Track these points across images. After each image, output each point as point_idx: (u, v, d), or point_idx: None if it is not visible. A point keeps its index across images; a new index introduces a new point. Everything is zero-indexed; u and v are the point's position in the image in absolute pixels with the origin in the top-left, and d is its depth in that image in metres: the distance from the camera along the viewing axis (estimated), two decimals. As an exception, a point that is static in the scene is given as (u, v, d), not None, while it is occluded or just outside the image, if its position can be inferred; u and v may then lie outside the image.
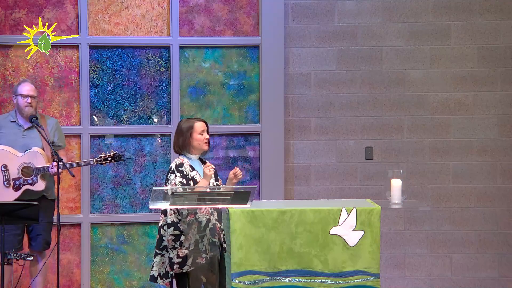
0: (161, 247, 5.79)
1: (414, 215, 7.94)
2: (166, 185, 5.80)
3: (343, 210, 6.50)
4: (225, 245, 5.95)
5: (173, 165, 5.85)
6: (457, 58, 7.96)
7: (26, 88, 6.75)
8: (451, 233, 7.96)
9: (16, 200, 6.58)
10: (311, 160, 7.94)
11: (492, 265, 7.95)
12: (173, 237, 5.72)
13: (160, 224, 5.82)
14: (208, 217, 5.74)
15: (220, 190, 5.75)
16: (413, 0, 7.94)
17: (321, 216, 6.49)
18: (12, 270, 6.86)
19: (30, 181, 6.66)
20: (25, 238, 6.93)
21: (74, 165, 6.64)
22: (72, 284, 7.80)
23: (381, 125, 7.96)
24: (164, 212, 5.78)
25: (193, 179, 5.80)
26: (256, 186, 5.97)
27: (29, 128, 6.77)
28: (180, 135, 5.91)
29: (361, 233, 6.49)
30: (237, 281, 6.34)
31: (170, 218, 5.73)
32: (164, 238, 5.76)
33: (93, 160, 6.75)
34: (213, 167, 5.94)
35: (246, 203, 5.58)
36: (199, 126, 5.91)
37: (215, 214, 5.79)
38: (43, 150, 6.72)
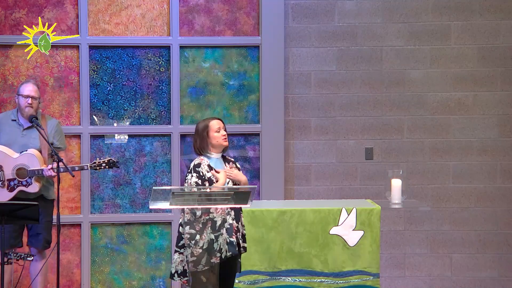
0: (179, 244, 5.79)
1: (414, 215, 7.94)
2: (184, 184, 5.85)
3: (343, 210, 6.50)
4: (245, 245, 5.91)
5: (192, 165, 5.87)
6: (457, 58, 7.96)
7: (28, 89, 6.76)
8: (451, 233, 7.96)
9: (10, 200, 6.57)
10: (311, 160, 7.94)
11: (492, 265, 7.95)
12: (188, 236, 5.72)
13: (179, 222, 5.83)
14: (223, 217, 5.73)
15: (220, 190, 5.75)
16: (413, 0, 7.94)
17: (321, 216, 6.50)
18: (12, 270, 6.85)
19: (24, 183, 6.66)
20: (25, 237, 6.92)
21: (69, 169, 6.58)
22: (72, 284, 7.80)
23: (381, 125, 7.96)
24: (183, 210, 5.79)
25: (209, 179, 5.80)
26: (256, 186, 5.96)
27: (28, 127, 6.77)
28: (198, 136, 5.92)
29: (361, 233, 6.49)
30: (237, 281, 6.35)
31: (187, 216, 5.73)
32: (183, 236, 5.77)
33: (87, 166, 6.74)
34: (231, 172, 5.92)
35: (246, 203, 5.57)
36: (214, 124, 5.91)
37: (232, 213, 5.77)
38: (40, 151, 6.71)
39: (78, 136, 7.77)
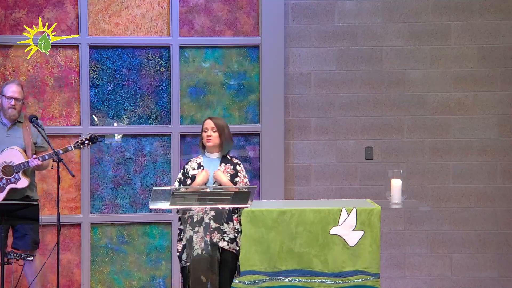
0: None
1: (414, 215, 7.94)
2: None
3: (343, 210, 6.50)
4: (236, 248, 5.89)
5: None
6: (457, 58, 7.96)
7: (12, 90, 6.69)
8: (451, 233, 7.96)
9: (3, 200, 6.53)
10: (311, 160, 7.94)
11: (492, 265, 7.96)
12: (178, 231, 5.84)
13: None
14: (201, 215, 5.76)
15: (221, 190, 5.76)
16: (413, 0, 7.94)
17: (321, 216, 6.50)
18: (13, 270, 6.84)
19: (12, 180, 6.61)
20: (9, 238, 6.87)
21: (56, 152, 6.51)
22: (72, 284, 7.80)
23: (381, 125, 7.96)
24: None
25: (192, 177, 5.86)
26: (256, 186, 5.96)
27: (11, 126, 6.72)
28: None
29: (361, 233, 6.49)
30: (237, 281, 6.35)
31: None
32: None
33: (71, 146, 6.65)
34: (215, 173, 5.92)
35: (246, 203, 5.58)
36: (205, 123, 5.99)
37: (211, 213, 5.78)
38: (24, 150, 6.67)
39: (78, 136, 7.75)
